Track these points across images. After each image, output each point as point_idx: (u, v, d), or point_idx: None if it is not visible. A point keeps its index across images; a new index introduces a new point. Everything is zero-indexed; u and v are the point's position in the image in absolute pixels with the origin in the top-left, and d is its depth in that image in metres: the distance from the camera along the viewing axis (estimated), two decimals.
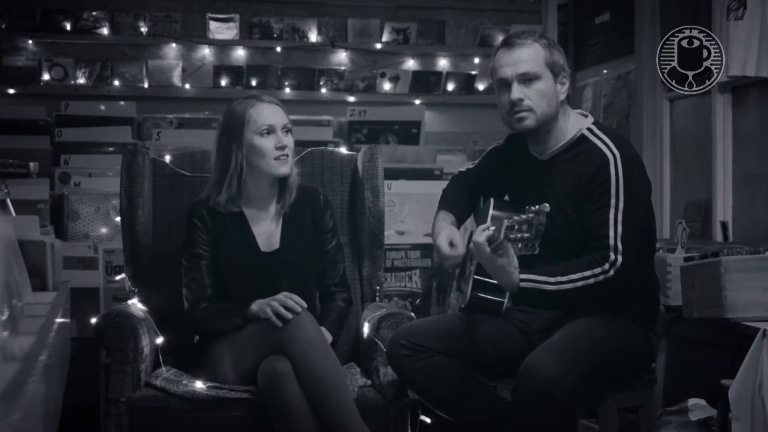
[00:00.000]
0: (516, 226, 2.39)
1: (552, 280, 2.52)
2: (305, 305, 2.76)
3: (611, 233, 2.53)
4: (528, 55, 2.65)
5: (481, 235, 2.48)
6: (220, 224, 2.97)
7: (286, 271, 2.98)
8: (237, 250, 2.97)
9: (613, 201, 2.55)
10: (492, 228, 2.47)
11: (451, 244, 2.77)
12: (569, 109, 2.73)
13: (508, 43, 2.70)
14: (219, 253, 2.97)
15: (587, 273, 2.52)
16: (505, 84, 2.67)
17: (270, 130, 2.92)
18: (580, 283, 2.52)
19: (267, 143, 2.91)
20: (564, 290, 2.52)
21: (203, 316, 2.92)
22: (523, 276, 2.51)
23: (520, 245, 2.41)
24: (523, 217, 2.37)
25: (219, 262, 2.97)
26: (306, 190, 3.09)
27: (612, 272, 2.52)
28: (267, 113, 2.93)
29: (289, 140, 2.95)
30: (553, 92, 2.66)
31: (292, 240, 3.01)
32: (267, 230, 3.01)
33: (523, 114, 2.66)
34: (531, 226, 2.35)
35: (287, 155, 2.94)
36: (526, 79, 2.64)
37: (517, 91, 2.65)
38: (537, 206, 2.34)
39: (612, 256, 2.52)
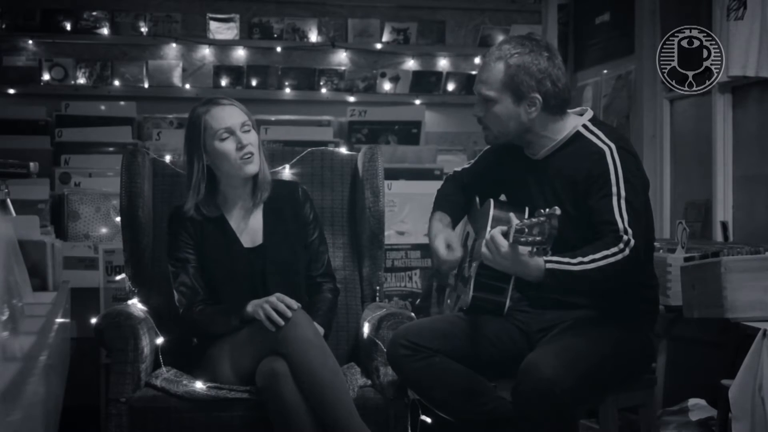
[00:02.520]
0: (526, 230, 2.36)
1: (574, 260, 2.45)
2: (298, 306, 2.76)
3: (618, 218, 2.50)
4: (487, 77, 2.65)
5: (496, 231, 2.46)
6: (200, 227, 2.97)
7: (272, 264, 2.98)
8: (220, 250, 2.97)
9: (614, 189, 2.53)
10: (505, 227, 2.45)
11: (449, 248, 2.77)
12: (557, 117, 2.67)
13: (485, 55, 2.71)
14: (203, 255, 2.97)
15: (607, 252, 2.46)
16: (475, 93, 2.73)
17: (228, 133, 2.90)
18: (602, 263, 2.45)
19: (228, 146, 2.89)
20: (588, 270, 2.44)
21: (200, 318, 2.92)
22: (546, 258, 2.44)
23: (531, 249, 2.39)
24: (534, 220, 2.34)
25: (204, 264, 2.97)
26: (284, 185, 3.10)
27: (627, 251, 2.47)
28: (223, 116, 2.91)
29: (250, 137, 2.92)
30: (511, 115, 2.63)
31: (274, 234, 3.01)
32: (248, 227, 3.02)
33: (485, 130, 2.74)
34: (542, 230, 2.32)
35: (251, 153, 2.92)
36: (483, 99, 2.66)
37: (477, 108, 2.71)
38: (548, 210, 2.31)
39: (624, 237, 2.47)
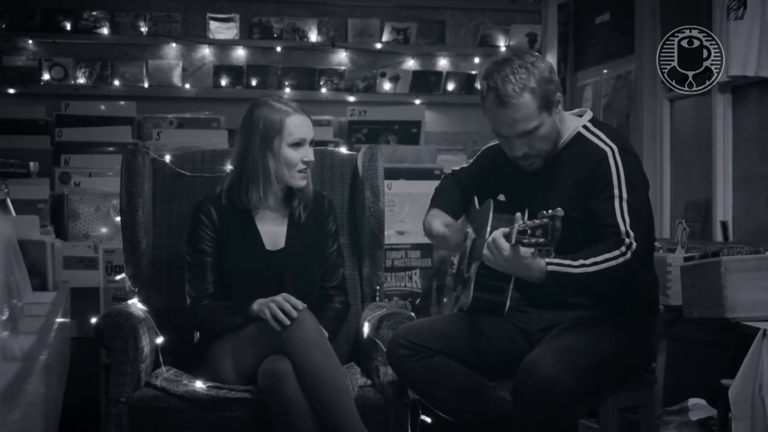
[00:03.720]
0: (529, 231, 2.35)
1: (576, 263, 2.45)
2: (303, 306, 2.76)
3: (620, 221, 2.49)
4: (523, 114, 2.57)
5: (498, 233, 2.46)
6: (226, 222, 2.98)
7: (290, 270, 2.98)
8: (242, 248, 2.98)
9: (616, 191, 2.53)
10: (507, 229, 2.45)
11: (446, 226, 2.78)
12: (562, 115, 2.69)
13: (500, 100, 2.57)
14: (224, 251, 2.97)
15: (608, 255, 2.46)
16: (504, 136, 2.65)
17: (300, 143, 2.95)
18: (603, 266, 2.45)
19: (296, 155, 2.94)
20: (590, 273, 2.44)
21: (205, 313, 2.92)
22: (548, 260, 2.44)
23: (534, 250, 2.38)
24: (537, 221, 2.34)
25: (223, 260, 2.97)
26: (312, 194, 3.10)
27: (629, 255, 2.46)
28: (302, 125, 2.96)
29: (312, 154, 2.98)
30: (552, 127, 2.62)
31: (297, 240, 3.02)
32: (273, 230, 3.02)
33: (528, 161, 2.66)
34: (546, 232, 2.31)
35: (309, 169, 2.97)
36: (523, 134, 2.60)
37: (519, 148, 2.63)
38: (550, 211, 2.31)
39: (627, 240, 2.47)
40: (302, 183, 2.98)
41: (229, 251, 2.97)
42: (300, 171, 2.95)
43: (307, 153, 2.96)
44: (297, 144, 2.94)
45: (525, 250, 2.41)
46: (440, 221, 2.81)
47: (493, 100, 2.59)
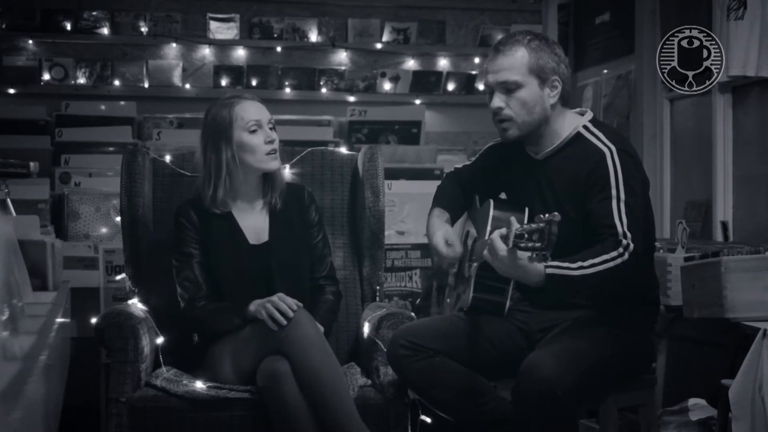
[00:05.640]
0: (526, 235, 2.34)
1: (574, 266, 2.45)
2: (298, 306, 2.76)
3: (617, 222, 2.49)
4: (510, 63, 2.62)
5: (496, 235, 2.45)
6: (207, 222, 2.98)
7: (277, 263, 2.99)
8: (226, 246, 2.98)
9: (614, 192, 2.53)
10: (505, 229, 2.44)
11: (448, 244, 2.77)
12: (564, 110, 2.70)
13: (496, 48, 2.68)
14: (209, 250, 2.98)
15: (606, 257, 2.46)
16: (490, 91, 2.68)
17: (257, 126, 2.94)
18: (601, 267, 2.44)
19: (256, 139, 2.94)
20: (588, 275, 2.44)
21: (201, 315, 2.92)
22: (546, 263, 2.43)
23: (531, 254, 2.38)
24: (534, 225, 2.33)
25: (209, 259, 2.98)
26: (290, 187, 3.11)
27: (627, 256, 2.46)
28: (252, 110, 2.96)
29: (275, 135, 2.98)
30: (537, 99, 2.63)
31: (281, 233, 3.02)
32: (255, 225, 3.03)
33: (504, 124, 2.67)
34: (542, 236, 2.31)
35: (276, 149, 2.96)
36: (507, 88, 2.63)
37: (497, 100, 2.65)
38: (547, 215, 2.30)
39: (624, 241, 2.47)
40: (274, 164, 2.97)
41: (213, 250, 2.98)
42: (267, 153, 2.95)
43: (269, 134, 2.96)
44: (254, 128, 2.94)
45: (522, 254, 2.40)
46: (442, 237, 2.78)
47: (492, 50, 2.69)
